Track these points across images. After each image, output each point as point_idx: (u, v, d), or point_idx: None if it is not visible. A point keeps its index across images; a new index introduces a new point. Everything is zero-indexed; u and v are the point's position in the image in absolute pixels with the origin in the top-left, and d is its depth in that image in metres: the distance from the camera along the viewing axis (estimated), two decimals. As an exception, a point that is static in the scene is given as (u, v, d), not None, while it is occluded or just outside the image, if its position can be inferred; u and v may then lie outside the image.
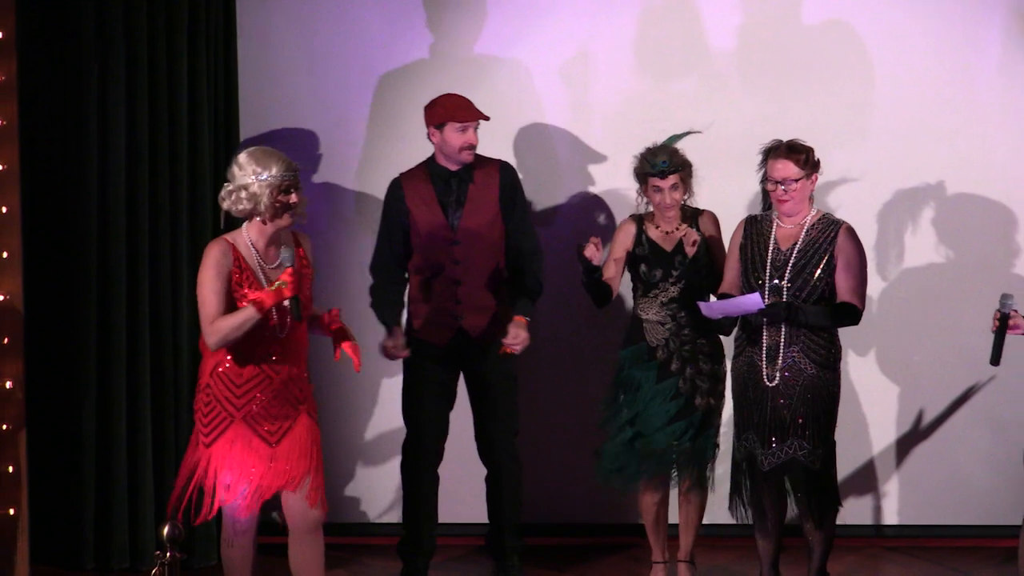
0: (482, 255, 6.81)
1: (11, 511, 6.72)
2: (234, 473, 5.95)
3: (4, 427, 6.62)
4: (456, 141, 6.65)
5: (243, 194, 5.67)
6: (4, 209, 6.62)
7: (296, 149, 7.46)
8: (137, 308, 7.17)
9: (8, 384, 6.59)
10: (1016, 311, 5.93)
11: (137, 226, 7.04)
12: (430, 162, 6.78)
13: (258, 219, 5.68)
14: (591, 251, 6.57)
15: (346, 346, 5.98)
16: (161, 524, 5.28)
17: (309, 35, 7.70)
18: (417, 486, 6.91)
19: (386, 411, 7.53)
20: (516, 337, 6.66)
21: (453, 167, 6.74)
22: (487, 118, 6.78)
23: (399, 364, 7.08)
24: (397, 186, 6.86)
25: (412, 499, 6.91)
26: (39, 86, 6.91)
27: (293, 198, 5.66)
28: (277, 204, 5.67)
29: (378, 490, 7.69)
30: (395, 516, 7.43)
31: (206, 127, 7.15)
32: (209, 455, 5.93)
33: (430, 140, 6.75)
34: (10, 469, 6.67)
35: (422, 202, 6.81)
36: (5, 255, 6.57)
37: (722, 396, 6.81)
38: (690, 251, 6.58)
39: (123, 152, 6.99)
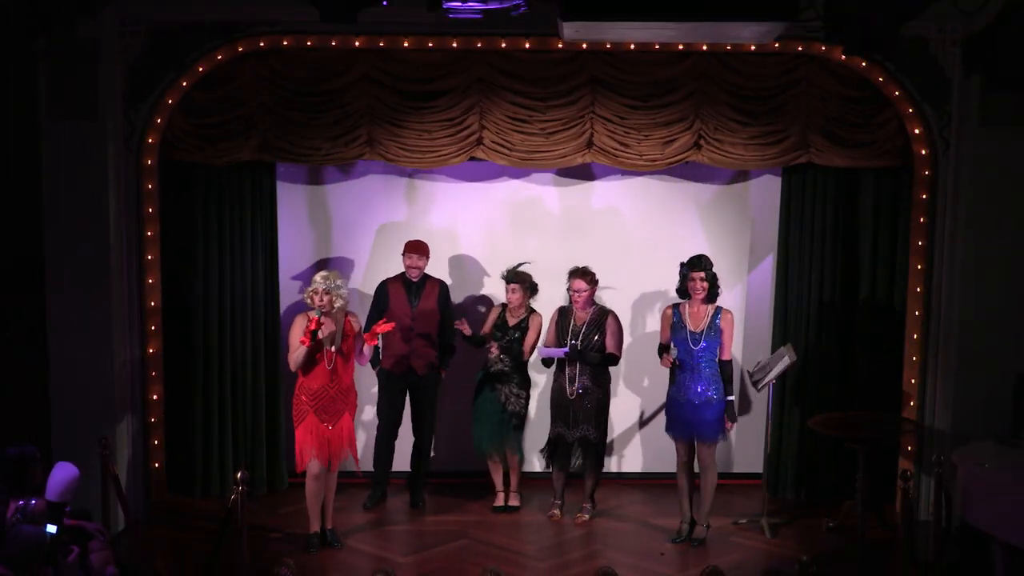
0: (425, 326, 8.89)
1: (156, 464, 8.87)
2: (311, 443, 7.94)
3: (152, 419, 8.77)
4: (408, 263, 8.83)
5: (306, 295, 8.03)
6: (150, 280, 8.66)
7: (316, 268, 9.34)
8: (207, 340, 9.05)
9: (155, 396, 8.80)
10: (677, 359, 8.15)
11: (222, 305, 9.08)
12: (402, 274, 8.89)
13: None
14: (461, 325, 8.73)
15: (367, 336, 7.96)
16: (235, 471, 7.52)
17: (324, 207, 9.51)
18: (382, 451, 9.08)
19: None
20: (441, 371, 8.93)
21: (413, 279, 8.83)
22: (428, 256, 8.77)
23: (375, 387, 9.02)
24: (383, 285, 8.96)
25: (379, 458, 9.12)
26: (173, 240, 8.87)
27: (320, 297, 7.86)
28: (312, 298, 7.99)
29: (368, 455, 9.38)
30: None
31: (260, 262, 9.19)
32: (298, 433, 7.94)
33: (403, 262, 8.86)
34: (156, 443, 8.88)
35: (396, 294, 8.86)
36: (152, 327, 8.66)
37: (525, 405, 8.86)
38: (517, 329, 8.83)
39: (216, 276, 9.07)
